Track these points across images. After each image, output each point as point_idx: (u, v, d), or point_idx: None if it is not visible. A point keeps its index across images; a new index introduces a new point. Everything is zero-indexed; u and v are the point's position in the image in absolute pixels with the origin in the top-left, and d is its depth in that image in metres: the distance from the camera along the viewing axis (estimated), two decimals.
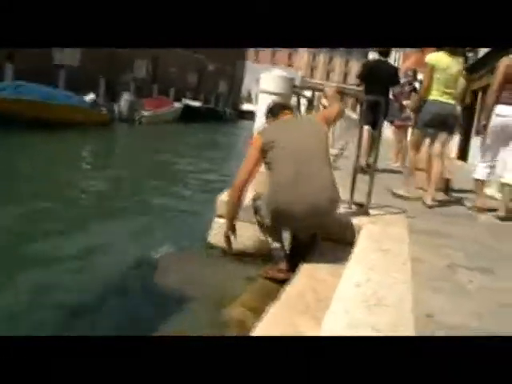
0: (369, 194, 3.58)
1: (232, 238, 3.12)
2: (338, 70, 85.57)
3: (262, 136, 2.95)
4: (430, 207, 4.32)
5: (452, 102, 4.60)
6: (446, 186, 5.43)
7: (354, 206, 3.58)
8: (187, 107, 28.46)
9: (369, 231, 3.12)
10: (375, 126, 5.21)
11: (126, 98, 21.33)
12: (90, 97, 17.99)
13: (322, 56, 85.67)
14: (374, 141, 4.98)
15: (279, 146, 2.84)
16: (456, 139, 11.83)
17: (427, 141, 4.82)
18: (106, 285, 3.35)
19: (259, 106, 3.66)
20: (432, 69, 4.40)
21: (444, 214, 4.22)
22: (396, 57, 29.86)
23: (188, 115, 27.24)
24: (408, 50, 28.12)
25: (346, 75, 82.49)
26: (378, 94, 4.89)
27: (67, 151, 11.92)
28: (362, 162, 5.60)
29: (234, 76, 49.06)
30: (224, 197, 3.54)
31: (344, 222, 3.27)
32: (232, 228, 3.09)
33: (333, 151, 7.70)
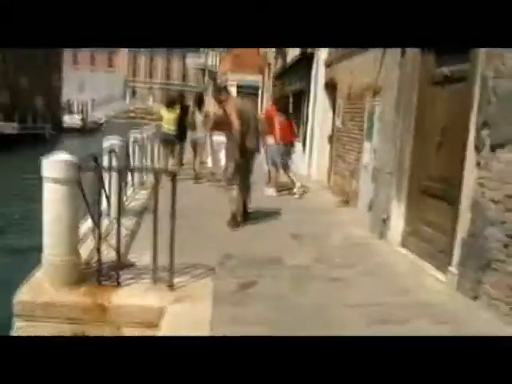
0: (171, 255, 3.75)
1: None
2: (161, 67, 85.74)
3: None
4: None
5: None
6: None
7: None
8: None
9: (172, 316, 3.42)
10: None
11: None
12: None
13: (144, 55, 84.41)
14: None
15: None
16: None
17: None
18: None
19: (44, 197, 3.66)
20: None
21: None
22: (214, 60, 29.87)
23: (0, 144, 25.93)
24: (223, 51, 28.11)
25: (168, 73, 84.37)
26: None
27: None
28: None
29: (51, 87, 44.69)
30: (23, 296, 3.60)
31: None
32: None
33: None
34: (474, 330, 3.33)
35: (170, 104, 10.58)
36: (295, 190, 8.79)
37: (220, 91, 6.60)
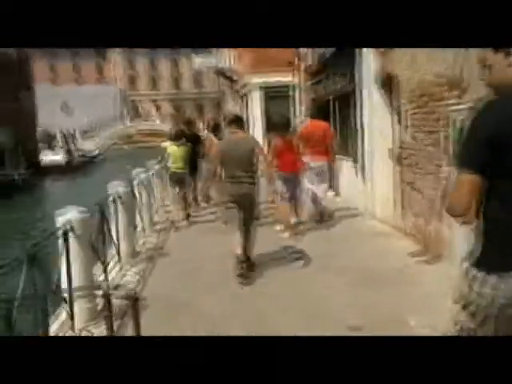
0: None
1: None
2: (166, 74, 71.35)
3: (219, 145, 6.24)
4: None
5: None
6: None
7: None
8: None
9: None
10: None
11: None
12: None
13: (142, 61, 69.67)
14: None
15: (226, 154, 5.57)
16: None
17: None
18: None
19: None
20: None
21: None
22: (229, 59, 27.83)
23: None
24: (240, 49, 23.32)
25: (177, 80, 68.67)
26: None
27: None
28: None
29: (21, 116, 33.23)
30: None
31: None
32: None
33: None
34: None
35: (176, 138, 8.94)
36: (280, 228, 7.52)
37: (215, 129, 7.69)
